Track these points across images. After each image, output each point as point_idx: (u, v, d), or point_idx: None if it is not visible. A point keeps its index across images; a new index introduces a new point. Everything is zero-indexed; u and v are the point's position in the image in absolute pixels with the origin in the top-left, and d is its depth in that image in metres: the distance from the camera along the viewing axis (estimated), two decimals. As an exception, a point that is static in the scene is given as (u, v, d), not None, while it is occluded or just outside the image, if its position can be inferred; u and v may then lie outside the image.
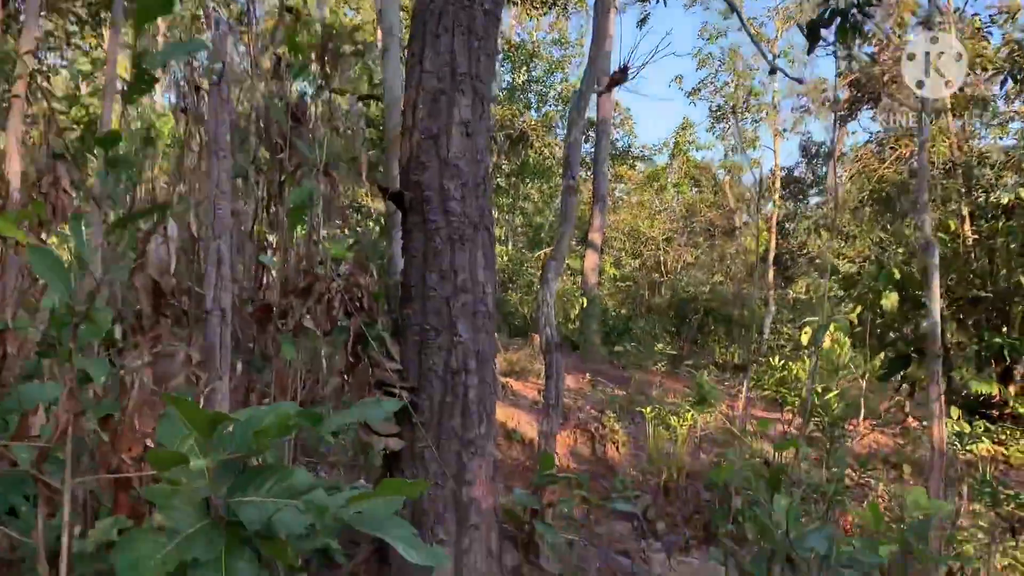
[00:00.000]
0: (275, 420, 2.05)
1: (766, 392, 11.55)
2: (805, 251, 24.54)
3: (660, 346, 15.93)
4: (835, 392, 8.72)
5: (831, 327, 10.15)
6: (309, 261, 3.55)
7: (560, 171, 20.15)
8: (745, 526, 3.54)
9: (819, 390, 8.49)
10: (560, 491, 5.24)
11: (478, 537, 3.82)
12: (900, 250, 12.11)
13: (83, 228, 2.03)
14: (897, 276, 10.70)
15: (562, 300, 18.47)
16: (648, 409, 9.80)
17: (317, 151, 4.17)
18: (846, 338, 9.88)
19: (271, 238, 3.91)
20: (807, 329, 11.92)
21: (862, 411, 10.25)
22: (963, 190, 12.13)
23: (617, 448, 10.99)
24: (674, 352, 16.95)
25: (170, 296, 2.97)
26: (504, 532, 4.45)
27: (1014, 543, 6.33)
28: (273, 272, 3.67)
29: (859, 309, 11.88)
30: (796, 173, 28.66)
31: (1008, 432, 10.72)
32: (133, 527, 2.06)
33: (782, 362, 11.45)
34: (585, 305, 15.30)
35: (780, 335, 19.97)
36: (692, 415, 9.32)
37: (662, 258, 23.94)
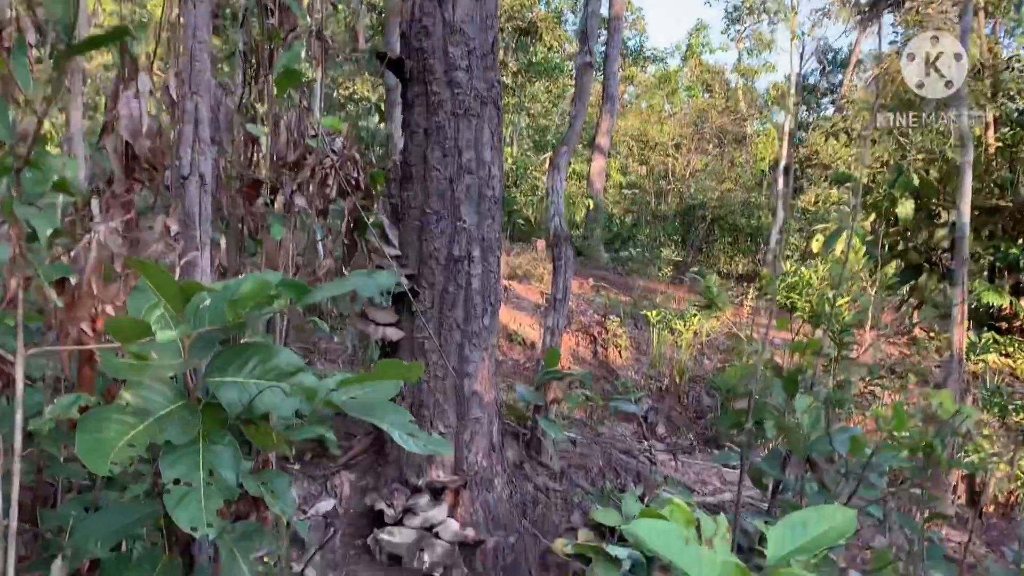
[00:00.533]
0: (253, 288, 1.80)
1: (778, 298, 11.30)
2: (816, 160, 24.00)
3: (666, 251, 15.62)
4: (847, 299, 8.50)
5: (844, 234, 9.85)
6: (300, 132, 3.24)
7: (569, 67, 19.45)
8: (765, 427, 3.36)
9: (830, 296, 8.24)
10: (563, 390, 5.08)
11: (480, 431, 3.65)
12: (919, 156, 11.67)
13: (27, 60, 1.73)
14: (916, 182, 10.31)
15: (566, 204, 18.11)
16: (653, 313, 9.61)
17: (310, 18, 3.80)
18: (861, 244, 9.58)
19: (260, 109, 3.58)
20: (818, 236, 11.60)
21: (869, 320, 10.08)
22: (990, 94, 11.60)
23: (619, 352, 10.89)
24: (679, 259, 16.70)
25: (144, 161, 2.68)
26: (506, 427, 4.30)
27: (1027, 452, 6.23)
28: (263, 145, 3.37)
29: (872, 217, 11.54)
30: (811, 81, 27.86)
31: (1016, 344, 10.57)
32: (98, 405, 1.83)
33: (793, 267, 11.16)
34: (591, 207, 14.93)
35: (787, 245, 19.69)
36: (698, 319, 9.11)
37: (670, 165, 23.40)
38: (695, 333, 9.73)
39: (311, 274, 3.52)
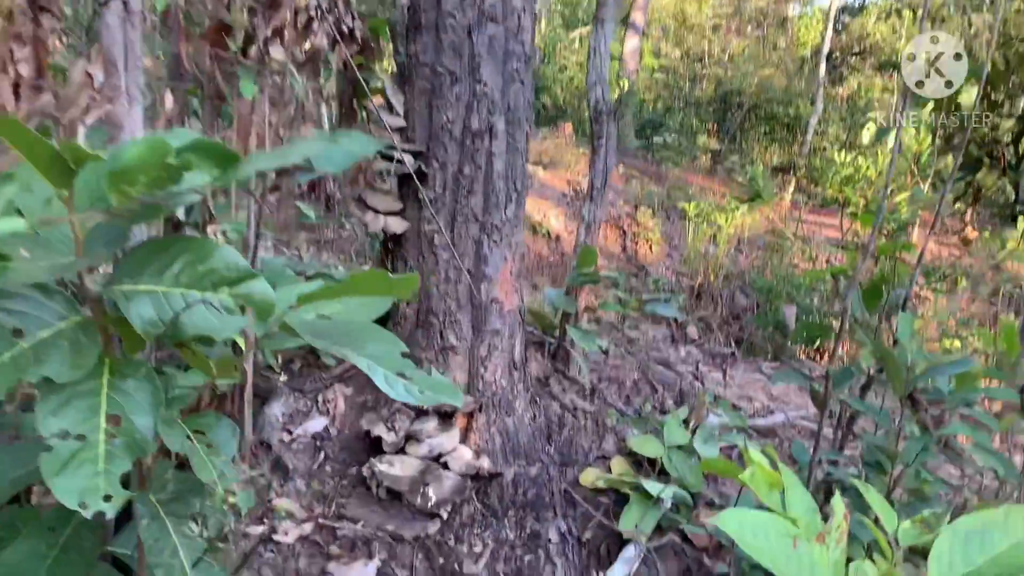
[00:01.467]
0: (142, 155, 1.15)
1: (830, 191, 10.46)
2: (862, 48, 22.46)
3: (703, 139, 14.62)
4: (905, 195, 7.72)
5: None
6: (275, -41, 2.50)
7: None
8: (854, 342, 2.72)
9: (889, 192, 7.48)
10: (597, 294, 4.45)
11: (499, 345, 3.04)
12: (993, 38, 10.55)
13: None
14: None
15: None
16: (691, 205, 8.85)
17: None
18: (928, 133, 8.68)
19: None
20: (870, 125, 10.63)
21: (933, 217, 9.30)
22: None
23: (650, 247, 10.22)
24: (715, 148, 15.73)
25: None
26: (529, 337, 3.71)
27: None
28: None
29: (931, 106, 10.57)
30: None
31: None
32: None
33: (850, 157, 10.23)
34: (626, 88, 13.92)
35: (825, 136, 18.55)
36: (740, 212, 8.36)
37: (706, 47, 21.99)
38: (734, 228, 9.00)
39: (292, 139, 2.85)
